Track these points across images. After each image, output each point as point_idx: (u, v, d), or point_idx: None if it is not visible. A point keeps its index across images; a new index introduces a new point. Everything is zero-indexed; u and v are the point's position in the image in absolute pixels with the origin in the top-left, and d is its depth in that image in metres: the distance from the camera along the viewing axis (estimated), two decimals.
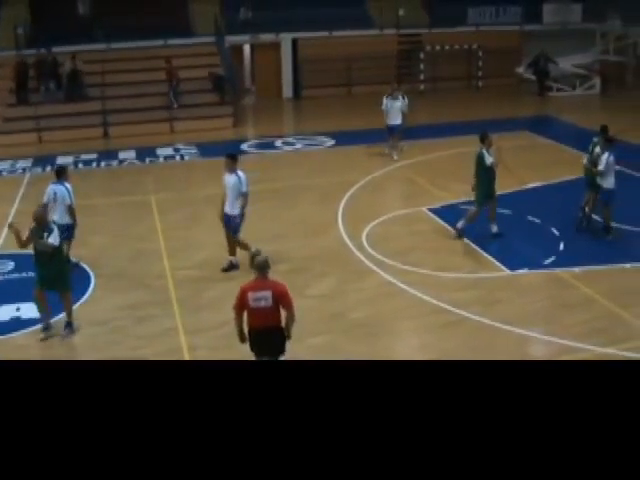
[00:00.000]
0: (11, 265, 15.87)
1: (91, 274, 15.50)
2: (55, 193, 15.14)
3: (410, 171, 22.41)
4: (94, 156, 25.67)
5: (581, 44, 36.86)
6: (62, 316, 13.18)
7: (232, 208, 15.13)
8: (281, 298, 9.94)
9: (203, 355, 12.13)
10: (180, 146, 26.90)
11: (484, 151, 16.42)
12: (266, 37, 35.65)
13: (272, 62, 36.65)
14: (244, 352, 12.01)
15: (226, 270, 15.30)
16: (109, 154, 25.95)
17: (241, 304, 10.08)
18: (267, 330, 10.09)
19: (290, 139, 27.97)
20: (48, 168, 24.30)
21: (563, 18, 37.14)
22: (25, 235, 12.59)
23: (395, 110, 23.30)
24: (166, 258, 16.03)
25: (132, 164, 24.90)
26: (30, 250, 15.12)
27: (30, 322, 13.32)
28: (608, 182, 16.31)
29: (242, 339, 10.40)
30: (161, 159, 25.40)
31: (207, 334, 12.90)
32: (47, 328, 12.91)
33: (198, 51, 32.26)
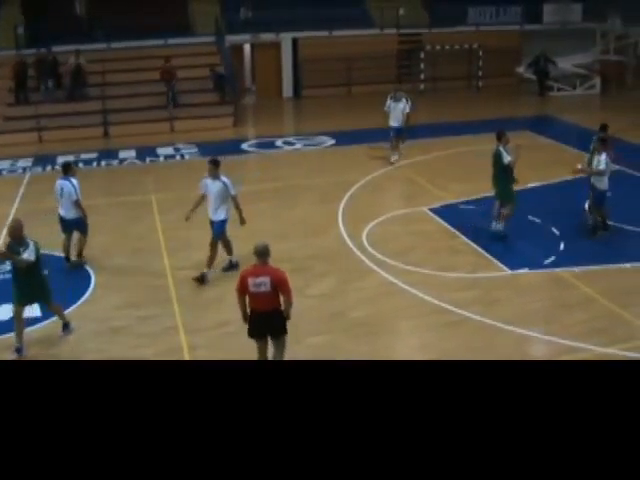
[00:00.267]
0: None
1: (91, 273, 15.51)
2: (62, 188, 15.55)
3: (410, 171, 22.41)
4: (94, 155, 25.66)
5: (581, 44, 36.87)
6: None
7: (217, 214, 14.90)
8: (279, 284, 10.39)
9: (203, 354, 12.14)
10: (180, 145, 26.90)
11: (501, 149, 16.32)
12: (266, 37, 35.65)
13: (272, 62, 36.66)
14: (244, 351, 12.03)
15: (226, 269, 15.28)
16: (109, 153, 25.96)
17: (242, 289, 10.55)
18: (268, 313, 10.58)
19: (290, 139, 27.96)
20: (48, 167, 24.36)
21: (563, 18, 37.15)
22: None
23: (397, 111, 23.09)
24: (166, 257, 16.02)
25: (132, 163, 24.90)
26: None
27: (30, 321, 13.31)
28: (603, 183, 16.31)
29: (245, 319, 10.88)
30: (161, 158, 25.40)
31: (207, 333, 12.91)
32: (19, 350, 12.29)
33: (198, 51, 32.26)
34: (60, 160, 24.82)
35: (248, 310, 10.74)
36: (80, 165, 24.59)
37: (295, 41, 36.13)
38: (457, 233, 17.17)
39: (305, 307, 13.00)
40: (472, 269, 15.32)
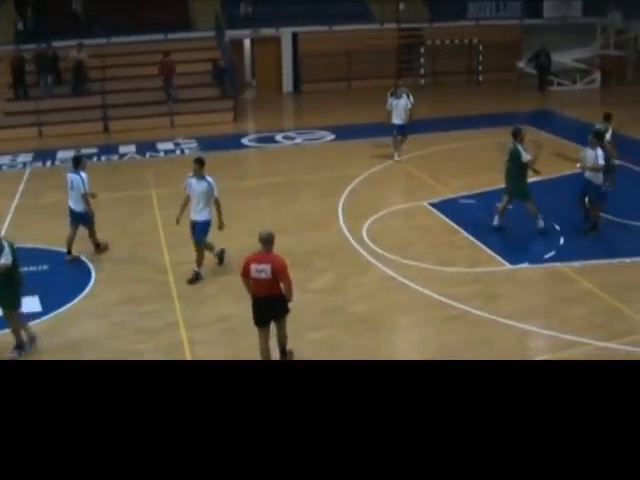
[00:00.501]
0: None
1: (92, 269, 15.52)
2: (72, 182, 15.73)
3: (410, 165, 22.40)
4: (94, 150, 25.65)
5: (581, 38, 36.88)
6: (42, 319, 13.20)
7: (200, 215, 14.62)
8: (278, 272, 10.68)
9: (203, 349, 12.15)
10: (180, 140, 26.89)
11: (519, 147, 16.29)
12: (266, 32, 35.63)
13: (272, 56, 36.64)
14: (245, 346, 12.07)
15: (191, 282, 14.78)
16: (109, 148, 25.95)
17: (245, 274, 10.92)
18: (269, 298, 10.89)
19: (290, 133, 27.95)
20: (48, 163, 24.35)
21: (563, 12, 37.12)
22: None
23: (400, 109, 22.78)
24: (167, 253, 16.02)
25: (132, 158, 24.90)
26: (31, 244, 15.23)
27: (31, 316, 13.31)
28: (599, 178, 16.30)
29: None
30: (161, 153, 25.40)
31: (208, 329, 12.92)
32: (22, 348, 12.17)
33: (198, 46, 32.23)
34: (60, 155, 24.93)
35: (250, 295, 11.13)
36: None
37: (295, 36, 36.11)
38: (457, 228, 17.18)
39: (305, 302, 13.01)
40: (472, 264, 15.32)
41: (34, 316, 13.33)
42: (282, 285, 10.84)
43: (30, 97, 29.22)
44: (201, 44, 32.40)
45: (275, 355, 11.52)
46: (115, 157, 25.01)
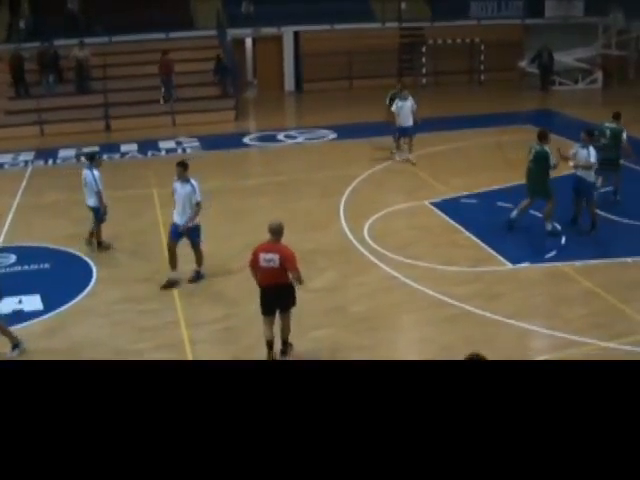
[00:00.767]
0: (13, 258, 15.90)
1: (93, 267, 15.52)
2: (85, 178, 16.00)
3: (411, 165, 22.36)
4: (96, 149, 25.59)
5: (583, 38, 36.84)
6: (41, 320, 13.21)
7: (183, 219, 14.33)
8: (286, 262, 11.07)
9: (204, 348, 12.16)
10: (182, 139, 26.89)
11: (547, 149, 16.27)
12: (268, 30, 35.63)
13: (274, 55, 36.65)
14: (246, 346, 12.08)
15: (166, 287, 14.49)
16: (111, 147, 25.95)
17: (254, 263, 11.32)
18: (276, 287, 11.26)
19: (292, 132, 27.95)
20: (50, 161, 24.37)
21: (565, 12, 37.08)
22: None
23: (406, 111, 22.41)
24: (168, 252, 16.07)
25: (134, 157, 24.91)
26: (32, 243, 15.26)
27: (32, 314, 13.37)
28: (591, 176, 16.31)
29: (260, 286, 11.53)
30: (163, 152, 25.39)
31: (209, 327, 12.93)
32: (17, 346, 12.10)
33: (200, 44, 32.22)
34: (62, 154, 24.93)
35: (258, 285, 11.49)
36: (82, 159, 24.62)
37: (297, 35, 36.11)
38: (458, 227, 17.17)
39: (307, 301, 13.00)
40: (473, 263, 15.32)
41: (35, 315, 13.36)
42: (291, 274, 11.18)
43: (32, 96, 29.20)
44: (203, 43, 32.37)
45: (277, 344, 11.71)
46: (117, 156, 25.02)
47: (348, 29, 35.62)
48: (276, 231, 11.26)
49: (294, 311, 11.73)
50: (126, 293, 14.31)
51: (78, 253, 16.09)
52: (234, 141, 26.53)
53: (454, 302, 13.53)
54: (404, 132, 22.77)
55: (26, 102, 28.94)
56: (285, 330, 11.69)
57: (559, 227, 16.60)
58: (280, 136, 27.34)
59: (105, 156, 24.68)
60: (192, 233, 14.47)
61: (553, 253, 15.61)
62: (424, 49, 36.67)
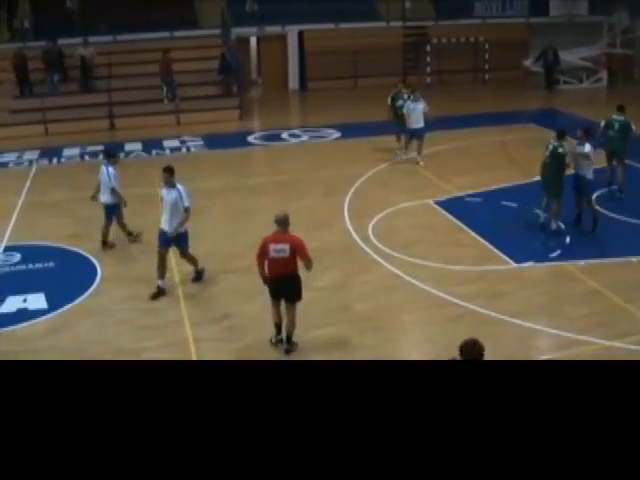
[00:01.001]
0: (18, 257, 15.92)
1: (97, 266, 15.53)
2: (100, 174, 16.18)
3: (415, 164, 22.33)
4: (100, 148, 25.66)
5: (588, 37, 36.79)
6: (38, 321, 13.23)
7: (171, 225, 13.96)
8: (297, 250, 11.47)
9: (208, 347, 12.17)
10: (186, 138, 26.90)
11: (564, 147, 16.26)
12: (272, 29, 35.63)
13: (278, 54, 36.63)
14: (249, 344, 12.10)
15: (155, 296, 14.11)
16: (115, 146, 25.93)
17: (262, 253, 11.62)
18: (285, 277, 11.63)
19: (296, 131, 27.95)
20: (54, 160, 24.39)
21: (570, 11, 36.99)
22: None
23: (417, 112, 22.12)
24: (172, 250, 16.04)
25: (138, 156, 24.91)
26: (37, 241, 15.25)
27: (37, 313, 13.39)
28: (590, 172, 16.30)
29: (266, 282, 11.91)
30: (167, 151, 25.40)
31: (213, 326, 12.94)
32: None
33: (204, 43, 32.20)
34: (66, 153, 24.96)
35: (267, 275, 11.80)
36: (86, 158, 24.66)
37: (301, 34, 36.07)
38: (462, 226, 17.16)
39: (311, 300, 13.00)
40: (477, 262, 15.31)
41: (39, 313, 13.39)
42: (302, 261, 11.58)
43: (36, 95, 29.22)
44: (207, 42, 32.34)
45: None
46: (121, 154, 24.94)
47: (352, 28, 35.58)
48: (283, 221, 11.60)
49: (298, 308, 11.87)
50: (130, 292, 14.31)
51: (82, 252, 16.11)
52: (238, 140, 26.53)
53: (458, 301, 13.52)
54: (414, 134, 22.44)
55: (30, 101, 28.97)
56: (290, 325, 11.93)
57: (563, 226, 16.58)
58: (284, 135, 27.34)
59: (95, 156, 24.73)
60: (180, 241, 14.19)
61: (557, 252, 15.59)
62: (428, 48, 36.63)
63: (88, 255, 16.02)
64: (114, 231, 16.58)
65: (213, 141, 26.19)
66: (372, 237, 16.60)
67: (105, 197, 16.10)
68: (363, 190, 20.14)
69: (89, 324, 13.10)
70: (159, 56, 29.99)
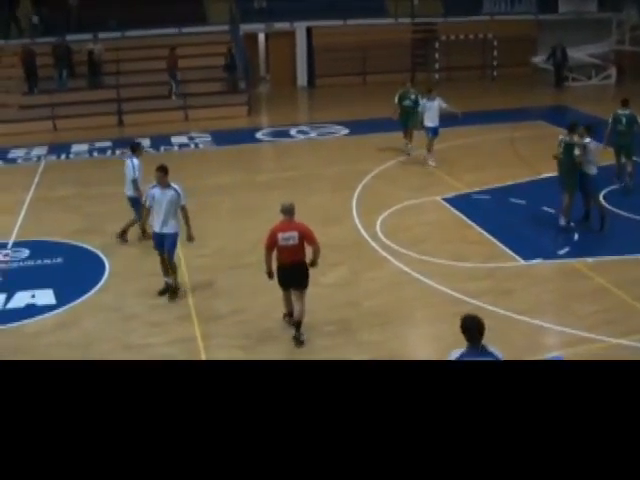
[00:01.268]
0: (26, 252, 15.96)
1: (106, 261, 15.55)
2: (126, 167, 16.10)
3: (423, 160, 22.30)
4: (109, 144, 25.72)
5: (597, 34, 36.74)
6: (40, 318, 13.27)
7: (167, 226, 13.51)
8: (306, 237, 11.76)
9: (216, 343, 12.18)
10: (194, 134, 26.93)
11: (575, 142, 16.23)
12: (281, 26, 35.65)
13: (287, 51, 36.67)
14: (257, 339, 12.11)
15: (162, 293, 13.96)
16: (124, 142, 25.96)
17: (271, 243, 11.78)
18: (294, 264, 11.84)
19: (304, 128, 27.95)
20: (63, 156, 24.43)
21: (579, 8, 36.97)
22: None
23: (433, 111, 21.85)
24: (180, 246, 16.05)
25: (147, 152, 24.86)
26: (45, 237, 15.27)
27: (45, 308, 13.42)
28: (593, 169, 16.25)
29: (270, 275, 12.06)
30: (175, 147, 25.44)
31: (221, 322, 12.95)
32: None
33: (212, 39, 32.23)
34: (74, 149, 25.01)
35: (274, 265, 11.96)
36: (95, 154, 24.70)
37: (309, 30, 36.09)
38: (471, 223, 17.15)
39: (319, 296, 13.02)
40: (485, 259, 15.29)
41: (48, 309, 13.42)
42: (311, 247, 11.85)
43: (44, 91, 29.27)
44: (215, 38, 32.38)
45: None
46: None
47: (361, 24, 35.60)
48: (289, 210, 11.79)
49: (307, 304, 11.96)
50: (138, 288, 14.33)
51: (91, 248, 16.13)
52: (246, 136, 26.55)
53: (466, 298, 13.51)
54: (428, 131, 22.10)
55: (39, 97, 29.07)
56: (299, 312, 12.07)
57: (572, 223, 16.55)
58: (292, 131, 27.35)
59: (117, 151, 24.74)
60: (169, 240, 13.64)
61: (565, 249, 15.57)
62: (437, 45, 36.63)
63: (96, 251, 16.05)
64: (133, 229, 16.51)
65: (221, 137, 26.21)
66: (380, 233, 16.59)
67: (130, 191, 16.06)
68: (371, 186, 20.13)
69: (97, 320, 13.13)
70: (167, 52, 30.01)
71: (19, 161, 24.23)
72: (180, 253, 15.03)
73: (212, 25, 33.50)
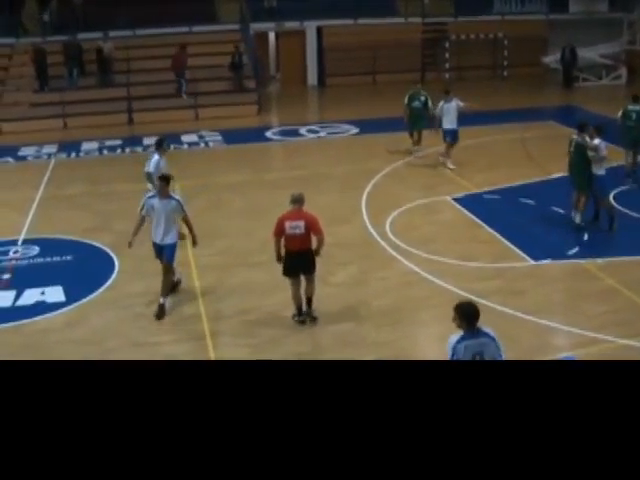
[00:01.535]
0: (36, 250, 16.01)
1: (115, 259, 15.58)
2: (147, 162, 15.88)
3: (434, 160, 22.30)
4: (119, 142, 25.79)
5: (608, 34, 36.63)
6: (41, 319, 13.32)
7: (167, 237, 13.21)
8: (312, 226, 12.18)
9: (225, 341, 12.21)
10: (204, 133, 26.96)
11: (586, 141, 16.20)
12: (291, 25, 35.68)
13: (297, 50, 36.70)
14: (266, 338, 12.12)
15: (159, 317, 13.17)
16: (134, 140, 26.05)
17: (279, 231, 12.20)
18: (300, 252, 12.25)
19: (314, 127, 27.95)
20: (73, 154, 24.50)
21: (589, 7, 36.88)
22: None
23: (451, 113, 21.63)
24: (189, 245, 16.08)
25: None
26: (55, 235, 15.30)
27: (55, 306, 13.46)
28: (602, 170, 16.21)
29: (279, 259, 12.48)
30: (185, 146, 25.48)
31: (230, 320, 12.95)
32: None
33: (223, 38, 32.27)
34: (85, 147, 25.08)
35: (282, 252, 12.35)
36: (105, 152, 24.76)
37: (320, 29, 36.11)
38: (480, 223, 17.12)
39: (328, 295, 13.03)
40: (495, 259, 15.26)
41: (57, 306, 13.46)
42: (316, 237, 12.28)
43: (55, 89, 29.34)
44: (226, 37, 32.42)
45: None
46: (139, 149, 25.09)
47: (371, 24, 35.59)
48: (298, 199, 12.28)
49: (316, 303, 12.34)
50: (148, 286, 14.33)
51: (100, 245, 16.16)
52: (256, 135, 26.58)
53: (475, 298, 13.41)
54: (446, 134, 21.91)
55: (50, 95, 29.16)
56: (310, 290, 12.61)
57: (583, 223, 16.50)
58: (302, 130, 27.37)
59: (127, 149, 24.81)
60: (168, 250, 13.29)
61: (575, 250, 15.53)
62: (447, 44, 36.61)
63: (106, 248, 16.07)
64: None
65: (231, 136, 26.24)
66: (390, 233, 16.58)
67: (150, 185, 15.72)
68: (381, 186, 20.13)
69: (106, 317, 13.16)
70: (177, 51, 30.07)
71: (29, 159, 24.31)
72: (189, 252, 15.05)
73: (222, 24, 33.55)
